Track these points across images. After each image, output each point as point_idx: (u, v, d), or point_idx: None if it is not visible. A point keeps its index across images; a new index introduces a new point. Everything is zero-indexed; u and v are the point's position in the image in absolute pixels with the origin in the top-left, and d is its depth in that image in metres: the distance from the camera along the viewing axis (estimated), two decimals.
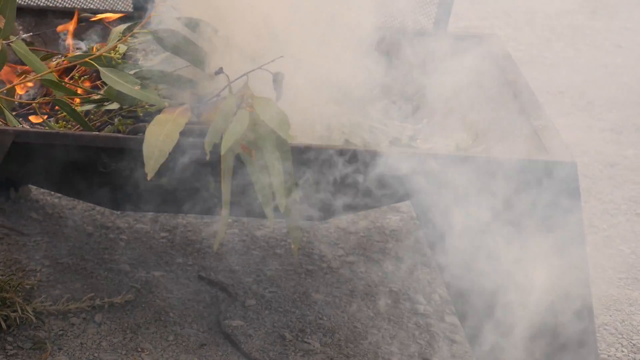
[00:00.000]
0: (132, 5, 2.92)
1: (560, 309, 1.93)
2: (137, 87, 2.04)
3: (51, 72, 2.15)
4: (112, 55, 2.16)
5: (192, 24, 2.08)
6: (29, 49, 2.21)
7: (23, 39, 2.36)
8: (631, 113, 4.15)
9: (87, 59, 2.14)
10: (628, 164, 3.59)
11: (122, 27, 2.26)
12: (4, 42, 2.09)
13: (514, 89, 2.34)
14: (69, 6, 2.97)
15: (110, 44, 2.23)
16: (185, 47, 2.07)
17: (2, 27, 2.07)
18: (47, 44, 2.62)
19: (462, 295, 2.02)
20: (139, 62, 2.23)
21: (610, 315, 2.58)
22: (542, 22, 5.59)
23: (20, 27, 2.71)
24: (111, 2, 2.99)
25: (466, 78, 2.63)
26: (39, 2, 2.92)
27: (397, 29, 2.74)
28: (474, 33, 2.88)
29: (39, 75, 2.12)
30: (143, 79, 2.07)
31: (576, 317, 1.94)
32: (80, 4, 2.98)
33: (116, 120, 2.14)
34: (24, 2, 2.89)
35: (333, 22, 2.22)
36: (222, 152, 1.79)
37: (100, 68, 2.08)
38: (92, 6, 2.95)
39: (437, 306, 2.55)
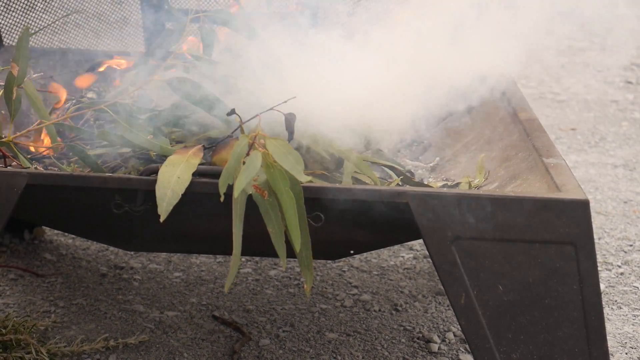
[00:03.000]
0: (144, 47, 2.94)
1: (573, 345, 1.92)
2: (150, 137, 2.05)
3: (57, 121, 2.16)
4: (126, 101, 2.17)
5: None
6: (43, 90, 2.23)
7: (35, 80, 2.39)
8: None
9: (102, 106, 2.15)
10: None
11: (135, 72, 2.28)
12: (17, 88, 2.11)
13: (525, 126, 2.34)
14: (83, 48, 2.99)
15: (123, 89, 2.24)
16: (196, 93, 2.09)
17: (15, 75, 2.09)
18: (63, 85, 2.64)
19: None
20: (152, 106, 2.24)
21: (626, 353, 2.57)
22: (553, 59, 5.60)
23: (38, 70, 2.73)
24: (125, 42, 3.02)
25: (477, 115, 2.64)
26: (52, 45, 2.95)
27: None
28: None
29: (46, 123, 2.14)
30: (155, 123, 2.09)
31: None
32: (93, 45, 3.00)
33: (130, 162, 2.16)
34: (40, 45, 2.93)
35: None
36: (235, 195, 1.78)
37: (114, 116, 2.09)
38: (104, 48, 2.98)
39: (452, 345, 2.54)
